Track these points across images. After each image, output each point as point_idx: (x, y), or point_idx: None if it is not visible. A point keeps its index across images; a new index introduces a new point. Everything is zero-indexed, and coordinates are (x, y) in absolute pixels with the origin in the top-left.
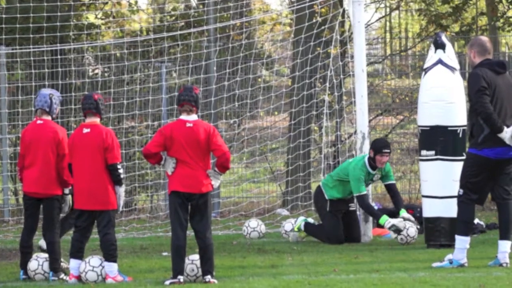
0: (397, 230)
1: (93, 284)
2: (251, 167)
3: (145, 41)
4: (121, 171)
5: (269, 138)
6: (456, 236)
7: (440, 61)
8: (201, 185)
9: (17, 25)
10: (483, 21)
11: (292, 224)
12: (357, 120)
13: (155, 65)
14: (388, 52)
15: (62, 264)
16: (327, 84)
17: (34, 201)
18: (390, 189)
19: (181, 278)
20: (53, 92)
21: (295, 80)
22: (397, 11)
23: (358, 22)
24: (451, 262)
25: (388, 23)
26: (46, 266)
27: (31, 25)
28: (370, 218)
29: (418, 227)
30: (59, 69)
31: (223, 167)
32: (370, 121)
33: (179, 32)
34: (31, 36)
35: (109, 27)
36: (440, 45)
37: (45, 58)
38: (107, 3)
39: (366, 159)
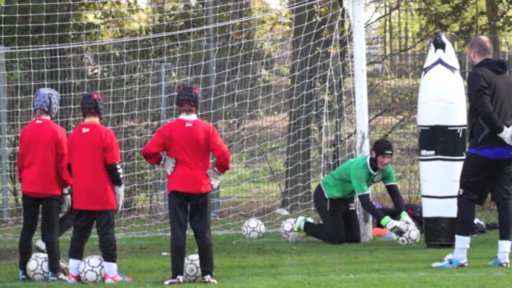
0: (399, 232)
1: (92, 284)
2: (251, 167)
3: (145, 40)
4: (120, 171)
5: (268, 138)
6: (456, 236)
7: (440, 61)
8: (200, 185)
9: (16, 25)
10: (483, 20)
11: (292, 224)
12: (357, 120)
13: (154, 64)
14: (388, 51)
15: (61, 264)
16: (327, 83)
17: (33, 201)
18: (391, 190)
19: (180, 278)
20: (52, 92)
21: (294, 80)
22: (397, 11)
23: (357, 22)
24: (451, 262)
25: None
26: (45, 266)
27: (30, 24)
28: (370, 218)
29: (419, 232)
30: (58, 69)
31: (222, 167)
32: (370, 121)
33: (178, 32)
34: (30, 35)
35: (108, 27)
36: (440, 45)
37: (44, 57)
38: (106, 2)
39: (367, 160)
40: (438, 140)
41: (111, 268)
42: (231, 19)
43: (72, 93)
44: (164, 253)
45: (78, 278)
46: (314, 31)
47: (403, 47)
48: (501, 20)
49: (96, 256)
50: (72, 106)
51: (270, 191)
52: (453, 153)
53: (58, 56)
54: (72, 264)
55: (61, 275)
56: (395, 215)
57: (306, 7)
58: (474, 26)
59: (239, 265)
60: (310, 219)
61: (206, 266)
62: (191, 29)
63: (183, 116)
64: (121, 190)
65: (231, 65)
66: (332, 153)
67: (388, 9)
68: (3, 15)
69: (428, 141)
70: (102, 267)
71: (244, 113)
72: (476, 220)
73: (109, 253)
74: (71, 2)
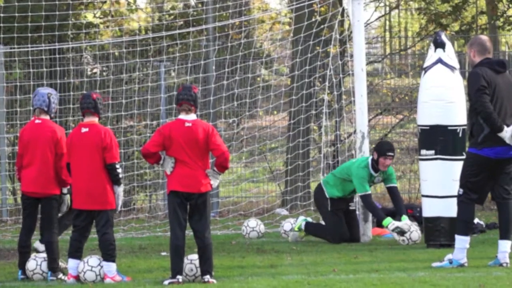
0: (401, 232)
1: (91, 284)
2: (250, 166)
3: (144, 40)
4: (119, 170)
5: (268, 138)
6: (456, 236)
7: (440, 60)
8: (200, 184)
9: (15, 24)
10: (483, 20)
11: (291, 224)
12: (357, 120)
13: (153, 64)
14: (388, 51)
15: (60, 264)
16: (327, 83)
17: (32, 201)
18: (392, 192)
19: (180, 278)
20: (51, 91)
21: (294, 79)
22: (396, 10)
23: (357, 21)
24: (451, 262)
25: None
26: (44, 266)
27: (29, 24)
28: (370, 218)
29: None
30: (58, 68)
31: (222, 166)
32: (369, 120)
33: (178, 31)
34: (30, 35)
35: (107, 26)
36: (440, 44)
37: (44, 57)
38: (105, 2)
39: (369, 160)
40: (438, 139)
41: (110, 268)
42: (230, 19)
43: (71, 93)
44: (164, 253)
45: (77, 278)
46: (314, 30)
47: (403, 46)
48: (501, 19)
49: (95, 256)
50: (71, 106)
51: (270, 191)
52: (453, 152)
53: (57, 56)
54: (71, 264)
55: (60, 275)
56: (396, 215)
57: (306, 7)
58: (474, 25)
59: (239, 265)
60: (309, 219)
61: (206, 266)
62: (191, 29)
63: (182, 116)
64: (120, 190)
65: (230, 64)
66: (331, 153)
67: (388, 8)
68: (2, 15)
69: (428, 140)
70: (101, 267)
71: (244, 112)
72: (476, 220)
73: (108, 253)
74: (70, 2)
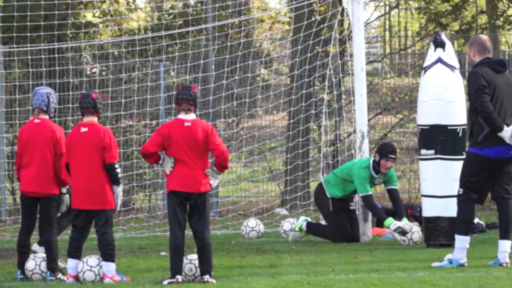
0: (403, 232)
1: (90, 284)
2: (250, 166)
3: (143, 39)
4: (118, 170)
5: (267, 137)
6: (455, 236)
7: (439, 60)
8: (199, 184)
9: (15, 24)
10: (483, 19)
11: (291, 224)
12: (356, 119)
13: (153, 63)
14: (388, 50)
15: (59, 263)
16: (326, 83)
17: (32, 201)
18: (392, 194)
19: (179, 278)
20: (50, 91)
21: (294, 79)
22: (396, 10)
23: (357, 21)
24: (450, 261)
25: (387, 22)
26: (43, 265)
27: (28, 23)
28: (370, 218)
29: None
30: (57, 68)
31: (221, 166)
32: (369, 120)
33: (177, 31)
34: (29, 34)
35: (107, 26)
36: (439, 44)
37: (43, 56)
38: (104, 1)
39: (371, 162)
40: (438, 139)
41: (109, 268)
42: (230, 18)
43: (71, 92)
44: (163, 253)
45: (76, 278)
46: (313, 30)
47: (403, 46)
48: (501, 19)
49: (94, 256)
50: (70, 105)
51: (269, 191)
52: (453, 152)
53: (56, 55)
54: (71, 264)
55: (60, 275)
56: (396, 216)
57: (306, 6)
58: (474, 25)
59: (238, 265)
60: (309, 219)
61: (205, 266)
62: (190, 28)
63: (181, 116)
64: (119, 189)
65: (230, 64)
66: (331, 153)
67: (387, 8)
68: (1, 14)
69: (428, 140)
70: (101, 267)
71: (243, 112)
72: (476, 220)
73: (107, 252)
74: (70, 1)
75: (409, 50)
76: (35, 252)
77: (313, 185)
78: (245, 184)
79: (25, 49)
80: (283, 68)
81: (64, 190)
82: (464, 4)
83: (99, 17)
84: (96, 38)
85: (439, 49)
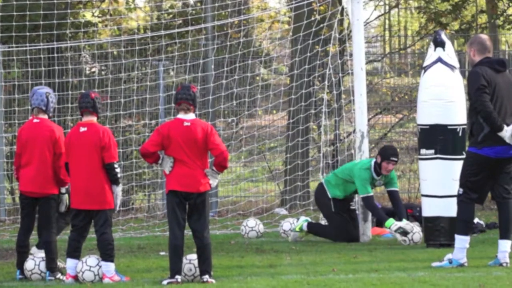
0: (404, 233)
1: (90, 284)
2: (249, 166)
3: (143, 39)
4: (118, 170)
5: (267, 137)
6: (455, 236)
7: (439, 59)
8: (199, 184)
9: (14, 23)
10: (483, 19)
11: (291, 224)
12: (356, 119)
13: (152, 63)
14: (387, 50)
15: (59, 263)
16: (326, 82)
17: (31, 200)
18: (393, 196)
19: (178, 277)
20: (49, 91)
21: (293, 79)
22: (396, 9)
23: (357, 20)
24: (450, 261)
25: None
26: (42, 265)
27: (27, 23)
28: (369, 218)
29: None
30: (56, 67)
31: (221, 166)
32: (369, 119)
33: (176, 30)
34: (28, 34)
35: (106, 25)
36: (439, 43)
37: (42, 56)
38: (104, 1)
39: (372, 163)
40: (438, 139)
41: (109, 268)
42: (229, 18)
43: (70, 92)
44: (162, 253)
45: (75, 278)
46: (313, 29)
47: (403, 45)
48: (501, 18)
49: (94, 256)
50: (69, 105)
51: (269, 191)
52: (452, 152)
53: (55, 55)
54: (70, 264)
55: (59, 275)
56: (395, 215)
57: (305, 5)
58: (474, 24)
59: (238, 265)
60: (309, 219)
61: (205, 266)
62: (189, 28)
63: (181, 115)
64: (118, 189)
65: (229, 63)
66: (331, 152)
67: (387, 7)
68: (0, 14)
69: (428, 140)
70: (100, 267)
71: (243, 112)
72: (476, 220)
73: (107, 252)
74: (69, 1)
75: (409, 50)
76: (33, 255)
77: (313, 185)
78: (245, 184)
79: (24, 48)
80: (282, 68)
81: (63, 190)
82: (464, 4)
83: (99, 17)
84: (95, 38)
85: (439, 49)
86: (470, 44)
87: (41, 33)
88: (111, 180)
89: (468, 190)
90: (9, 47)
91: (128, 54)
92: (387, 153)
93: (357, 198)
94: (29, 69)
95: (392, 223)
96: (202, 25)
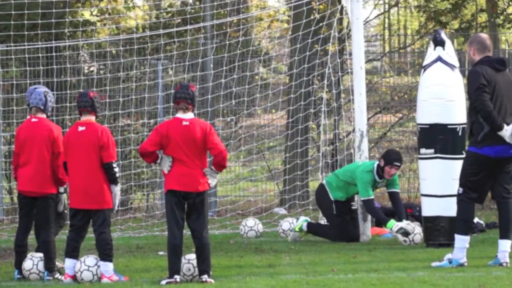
0: (405, 233)
1: (88, 283)
2: (248, 165)
3: (141, 38)
4: (116, 169)
5: (266, 136)
6: (455, 235)
7: (439, 59)
8: (197, 183)
9: (12, 22)
10: (482, 18)
11: (290, 223)
12: (356, 118)
13: (151, 62)
14: (387, 49)
15: (57, 263)
16: (325, 81)
17: (29, 200)
18: (393, 197)
19: (177, 277)
20: (47, 90)
21: (292, 78)
22: (395, 8)
23: (356, 19)
24: (450, 261)
25: (386, 20)
26: (41, 265)
27: (25, 22)
28: (369, 218)
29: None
30: (54, 67)
31: (219, 165)
32: (368, 119)
33: (175, 29)
34: (26, 33)
35: (104, 24)
36: (439, 42)
37: (40, 55)
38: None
39: (375, 166)
40: (438, 138)
41: (107, 267)
42: (228, 17)
43: (68, 91)
44: (161, 253)
45: (74, 277)
46: (312, 28)
47: (402, 44)
48: (501, 17)
49: (92, 256)
50: (68, 104)
51: (268, 190)
52: (452, 151)
53: (54, 54)
54: (68, 264)
55: (57, 275)
56: (395, 215)
57: (304, 4)
58: (473, 23)
59: (237, 265)
60: (308, 219)
61: (203, 266)
62: (188, 27)
63: (180, 115)
64: (117, 189)
65: (228, 62)
66: (330, 152)
67: (387, 6)
68: None
69: (428, 139)
70: (98, 266)
71: (242, 111)
72: (475, 219)
73: (105, 252)
74: None
75: (408, 49)
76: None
77: (312, 185)
78: (244, 184)
79: (23, 47)
80: (282, 67)
81: (61, 189)
82: (464, 3)
83: (97, 16)
84: (93, 37)
85: (439, 48)
86: (470, 43)
87: (39, 32)
88: (110, 180)
89: (468, 190)
90: (7, 46)
91: (126, 53)
92: (390, 158)
93: (357, 197)
94: (27, 68)
95: (394, 224)
96: (201, 24)
